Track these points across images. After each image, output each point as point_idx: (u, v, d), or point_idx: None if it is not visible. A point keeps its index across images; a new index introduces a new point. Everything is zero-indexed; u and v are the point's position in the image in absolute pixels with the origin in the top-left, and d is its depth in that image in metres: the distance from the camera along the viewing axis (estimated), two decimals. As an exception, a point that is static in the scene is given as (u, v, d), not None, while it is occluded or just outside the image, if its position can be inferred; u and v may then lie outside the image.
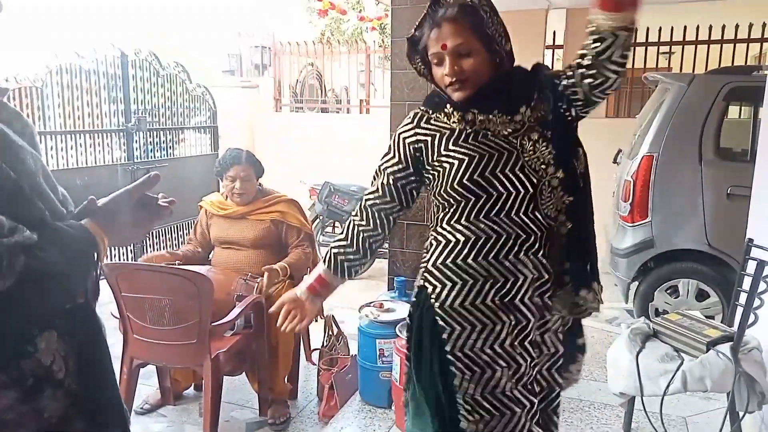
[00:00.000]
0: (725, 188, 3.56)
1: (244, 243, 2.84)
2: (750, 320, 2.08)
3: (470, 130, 1.39)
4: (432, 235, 1.50)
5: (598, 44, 1.28)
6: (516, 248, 1.38)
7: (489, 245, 1.39)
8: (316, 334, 3.26)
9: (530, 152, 1.37)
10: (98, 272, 1.07)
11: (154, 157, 5.32)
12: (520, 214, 1.38)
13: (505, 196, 1.37)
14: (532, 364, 1.46)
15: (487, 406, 1.43)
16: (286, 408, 2.77)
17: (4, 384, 0.92)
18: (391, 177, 1.48)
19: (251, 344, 2.66)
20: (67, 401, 0.99)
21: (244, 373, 2.80)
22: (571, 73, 1.35)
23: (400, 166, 1.47)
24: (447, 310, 1.41)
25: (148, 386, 2.94)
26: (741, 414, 2.09)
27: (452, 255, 1.42)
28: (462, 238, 1.41)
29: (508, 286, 1.40)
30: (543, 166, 1.37)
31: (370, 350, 2.68)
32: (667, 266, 3.72)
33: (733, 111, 4.68)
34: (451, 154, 1.39)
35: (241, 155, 2.88)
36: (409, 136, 1.46)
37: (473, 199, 1.38)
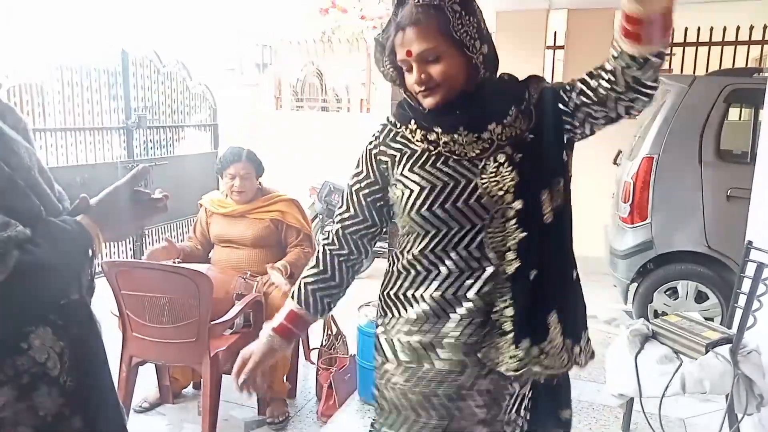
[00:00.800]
0: (725, 190, 3.56)
1: (244, 242, 2.84)
2: (749, 322, 2.08)
3: (433, 152, 1.24)
4: (390, 257, 1.38)
5: (626, 67, 1.09)
6: (457, 286, 1.23)
7: (431, 281, 1.25)
8: (316, 333, 3.26)
9: (491, 175, 1.20)
10: (93, 268, 1.07)
11: (154, 154, 5.32)
12: (469, 249, 1.22)
13: (456, 230, 1.22)
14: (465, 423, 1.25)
15: None
16: (285, 407, 2.77)
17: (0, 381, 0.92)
18: (362, 194, 1.34)
19: (250, 343, 2.66)
20: (62, 399, 0.99)
21: (242, 371, 2.80)
22: (588, 90, 1.18)
23: (369, 180, 1.33)
24: (385, 340, 1.32)
25: (147, 384, 2.94)
26: (740, 416, 2.09)
27: (396, 286, 1.31)
28: (411, 271, 1.28)
29: (463, 325, 1.23)
30: (500, 193, 1.19)
31: (369, 350, 2.68)
32: (667, 268, 3.72)
33: (734, 113, 4.68)
34: (407, 180, 1.25)
35: (242, 153, 2.88)
36: (376, 152, 1.34)
37: (423, 232, 1.25)
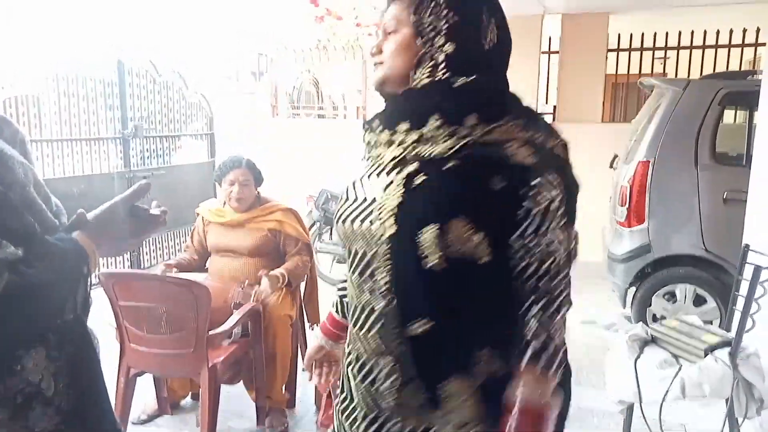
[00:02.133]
0: (722, 193, 3.57)
1: (241, 251, 2.83)
2: (748, 325, 2.08)
3: (365, 158, 1.17)
4: None
5: None
6: (355, 320, 1.13)
7: (349, 311, 1.18)
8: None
9: (387, 194, 1.05)
10: (89, 286, 1.05)
11: (151, 164, 5.32)
12: (361, 278, 1.09)
13: (353, 255, 1.12)
14: None
15: None
16: (284, 417, 2.76)
17: None
18: None
19: (249, 353, 2.65)
20: (57, 419, 0.98)
21: (241, 382, 2.79)
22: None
23: None
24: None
25: (145, 396, 2.92)
26: (740, 420, 2.09)
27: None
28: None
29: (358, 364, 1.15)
30: (385, 216, 1.03)
31: (368, 358, 2.67)
32: (665, 271, 3.72)
33: (729, 115, 4.70)
34: (348, 191, 1.18)
35: (242, 160, 2.89)
36: None
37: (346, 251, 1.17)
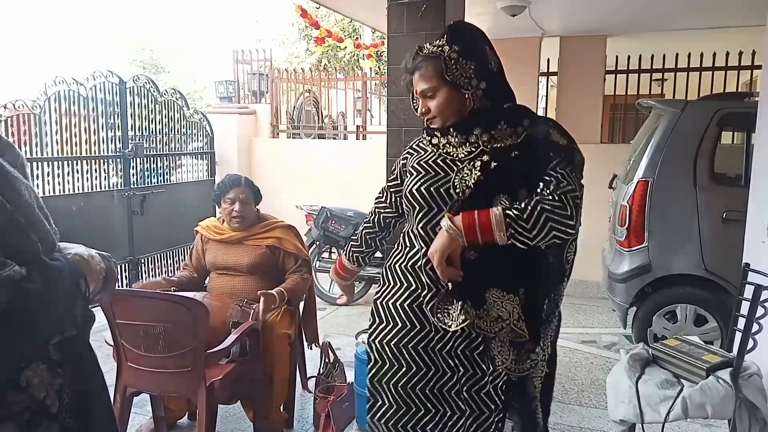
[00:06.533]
0: (721, 213, 3.58)
1: (240, 268, 2.82)
2: (749, 345, 2.07)
3: (435, 152, 1.67)
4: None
5: None
6: (415, 258, 1.68)
7: (408, 253, 1.72)
8: (313, 361, 3.22)
9: (465, 173, 1.57)
10: (87, 300, 1.06)
11: (151, 182, 5.32)
12: (426, 228, 1.64)
13: (426, 210, 1.63)
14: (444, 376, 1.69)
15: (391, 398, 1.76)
16: (281, 437, 2.73)
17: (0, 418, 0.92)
18: (390, 190, 1.91)
19: (247, 372, 2.63)
20: None
21: (239, 401, 2.76)
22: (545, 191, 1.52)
23: (396, 182, 1.86)
24: (377, 305, 1.80)
25: (141, 415, 2.89)
26: (743, 441, 2.06)
27: (395, 258, 1.79)
28: (403, 244, 1.76)
29: (411, 293, 1.70)
30: (463, 187, 1.56)
31: (366, 378, 2.65)
32: (665, 291, 3.71)
33: (726, 137, 4.72)
34: (412, 168, 1.70)
35: (240, 179, 2.91)
36: (401, 157, 1.84)
37: (413, 209, 1.67)
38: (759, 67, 5.11)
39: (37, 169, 4.24)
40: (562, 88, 5.72)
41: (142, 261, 5.18)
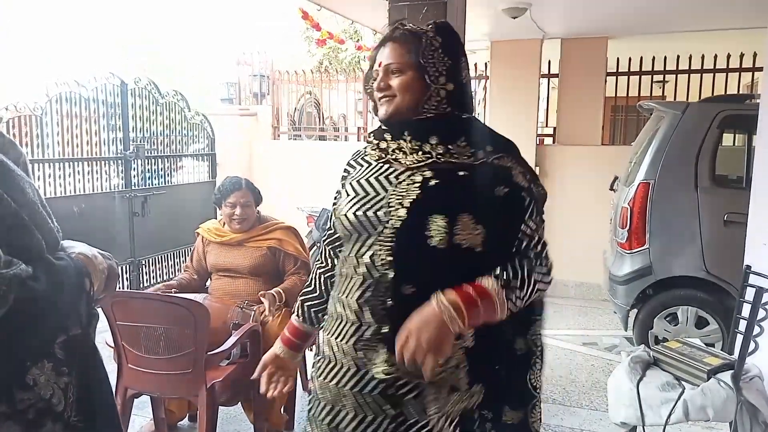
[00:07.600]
0: (722, 215, 3.57)
1: (241, 270, 2.82)
2: (750, 348, 2.07)
3: (378, 164, 1.39)
4: None
5: None
6: (353, 290, 1.33)
7: (342, 285, 1.38)
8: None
9: (401, 191, 1.32)
10: (91, 299, 1.07)
11: (152, 184, 5.33)
12: (361, 257, 1.33)
13: (356, 236, 1.35)
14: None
15: None
16: (282, 439, 2.73)
17: (5, 416, 0.92)
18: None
19: (247, 374, 2.62)
20: None
21: (239, 403, 2.76)
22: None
23: (339, 198, 1.48)
24: (323, 339, 1.44)
25: (142, 417, 2.89)
26: (744, 444, 2.06)
27: (334, 289, 1.45)
28: (339, 275, 1.42)
29: (351, 328, 1.33)
30: (397, 207, 1.30)
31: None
32: (666, 293, 3.71)
33: (728, 138, 4.72)
34: (348, 188, 1.41)
35: (241, 182, 2.90)
36: (343, 173, 1.51)
37: (344, 236, 1.40)
38: (760, 69, 5.12)
39: (39, 170, 4.25)
40: (563, 90, 5.72)
41: (143, 262, 5.18)
